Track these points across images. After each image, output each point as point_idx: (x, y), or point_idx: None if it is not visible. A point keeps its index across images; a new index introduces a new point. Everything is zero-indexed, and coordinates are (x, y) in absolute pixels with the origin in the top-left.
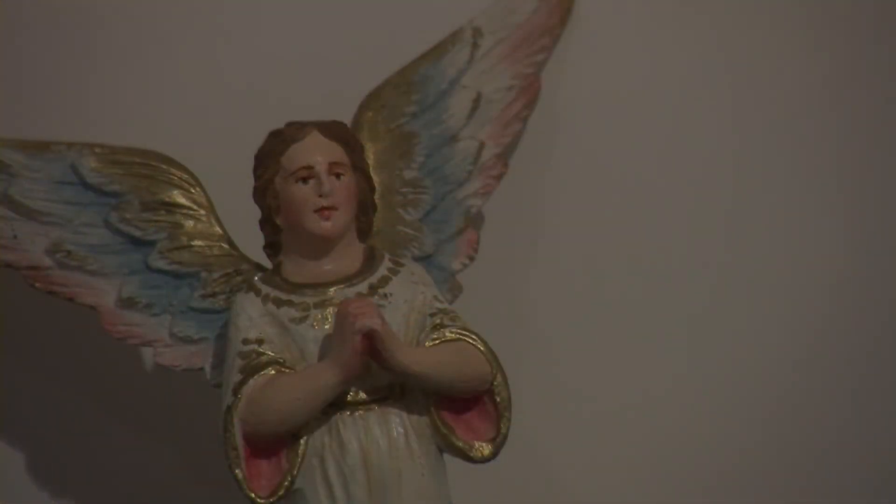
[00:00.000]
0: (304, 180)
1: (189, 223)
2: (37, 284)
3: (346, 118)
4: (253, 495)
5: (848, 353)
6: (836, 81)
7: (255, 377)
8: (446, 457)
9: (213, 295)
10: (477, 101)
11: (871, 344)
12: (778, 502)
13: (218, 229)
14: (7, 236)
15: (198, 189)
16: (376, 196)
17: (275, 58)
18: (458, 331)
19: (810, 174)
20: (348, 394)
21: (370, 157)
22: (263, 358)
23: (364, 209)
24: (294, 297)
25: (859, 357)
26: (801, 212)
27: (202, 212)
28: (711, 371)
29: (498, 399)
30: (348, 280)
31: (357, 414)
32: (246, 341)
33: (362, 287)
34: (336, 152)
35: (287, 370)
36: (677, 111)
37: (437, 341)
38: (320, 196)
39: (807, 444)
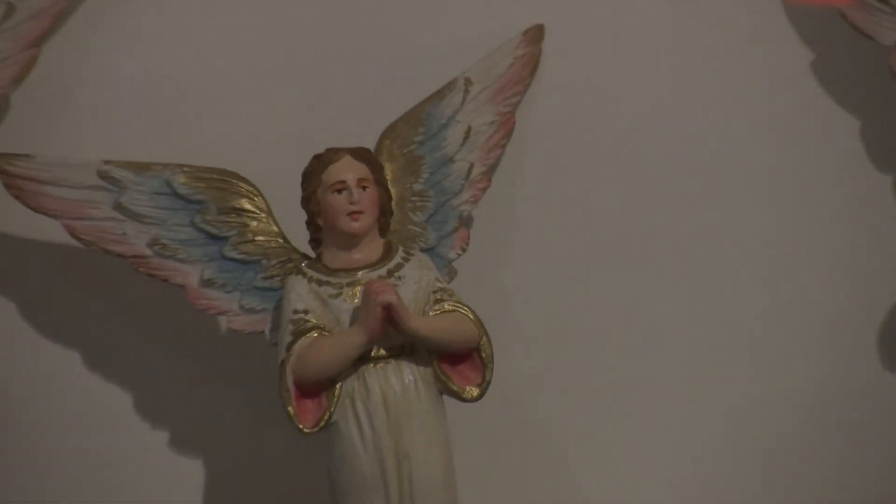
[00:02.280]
0: (339, 191)
1: (253, 223)
2: (140, 269)
3: (370, 144)
4: (301, 426)
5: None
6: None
7: (303, 338)
8: (445, 398)
9: (272, 277)
10: (468, 133)
11: None
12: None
13: (275, 228)
14: (118, 234)
15: (260, 198)
16: (393, 203)
17: (317, 98)
18: (454, 304)
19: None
20: (372, 351)
21: (388, 174)
22: (309, 324)
23: (383, 213)
24: (331, 279)
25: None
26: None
27: (263, 215)
28: (664, 345)
29: (483, 355)
30: (372, 266)
31: (378, 366)
32: (296, 311)
33: (382, 271)
34: (363, 170)
35: (326, 333)
36: (619, 137)
37: (438, 311)
38: (351, 203)
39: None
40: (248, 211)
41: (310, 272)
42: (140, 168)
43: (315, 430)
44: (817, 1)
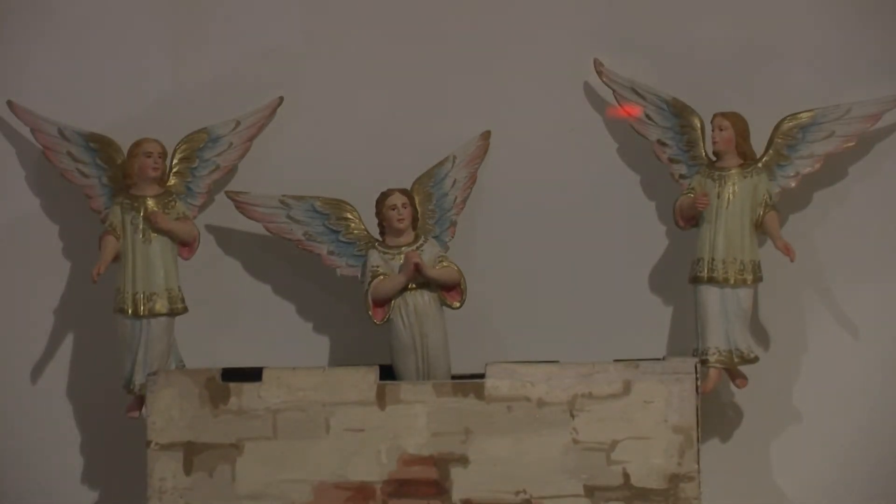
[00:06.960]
0: (393, 209)
1: (352, 224)
2: (298, 246)
3: (408, 185)
4: (375, 321)
5: None
6: None
7: (376, 279)
8: (443, 308)
9: (361, 249)
10: (454, 182)
11: None
12: None
13: (363, 226)
14: (289, 229)
15: (356, 213)
16: (419, 215)
17: (384, 166)
18: (448, 263)
19: None
20: (409, 285)
21: (417, 201)
22: (378, 272)
23: (414, 219)
24: (389, 251)
25: None
26: None
27: (357, 220)
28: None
29: (462, 287)
30: (408, 245)
31: (412, 292)
32: (372, 266)
33: (413, 247)
34: (404, 199)
35: (387, 277)
36: (527, 181)
37: (440, 267)
38: (398, 215)
39: None
40: (350, 219)
41: (379, 247)
42: (298, 198)
43: (382, 322)
44: (623, 115)
